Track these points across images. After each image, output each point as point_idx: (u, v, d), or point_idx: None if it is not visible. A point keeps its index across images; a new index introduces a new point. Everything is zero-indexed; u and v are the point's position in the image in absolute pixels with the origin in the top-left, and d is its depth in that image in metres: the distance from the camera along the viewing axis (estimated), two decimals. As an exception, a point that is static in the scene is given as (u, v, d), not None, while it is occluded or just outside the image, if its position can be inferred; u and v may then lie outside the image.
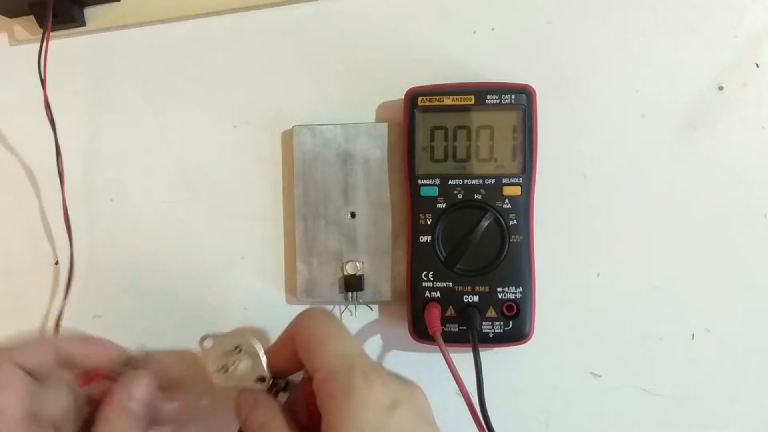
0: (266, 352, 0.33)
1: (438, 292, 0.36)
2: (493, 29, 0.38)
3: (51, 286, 0.42)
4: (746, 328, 0.37)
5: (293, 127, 0.39)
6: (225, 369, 0.32)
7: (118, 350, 0.33)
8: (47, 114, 0.39)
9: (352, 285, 0.38)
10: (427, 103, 0.36)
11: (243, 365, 0.32)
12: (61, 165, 0.39)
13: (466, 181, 0.36)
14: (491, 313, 0.36)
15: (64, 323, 0.41)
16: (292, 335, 0.31)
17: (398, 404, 0.27)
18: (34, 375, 0.30)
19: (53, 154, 0.39)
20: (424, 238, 0.36)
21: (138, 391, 0.31)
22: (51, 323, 0.40)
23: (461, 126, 0.36)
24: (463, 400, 0.32)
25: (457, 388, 0.33)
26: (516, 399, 0.39)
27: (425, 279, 0.36)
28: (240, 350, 0.32)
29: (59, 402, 0.31)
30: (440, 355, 0.33)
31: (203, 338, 0.33)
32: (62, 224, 0.40)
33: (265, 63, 0.40)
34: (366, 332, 0.40)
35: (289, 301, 0.40)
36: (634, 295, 0.38)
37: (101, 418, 0.30)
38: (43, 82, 0.39)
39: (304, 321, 0.31)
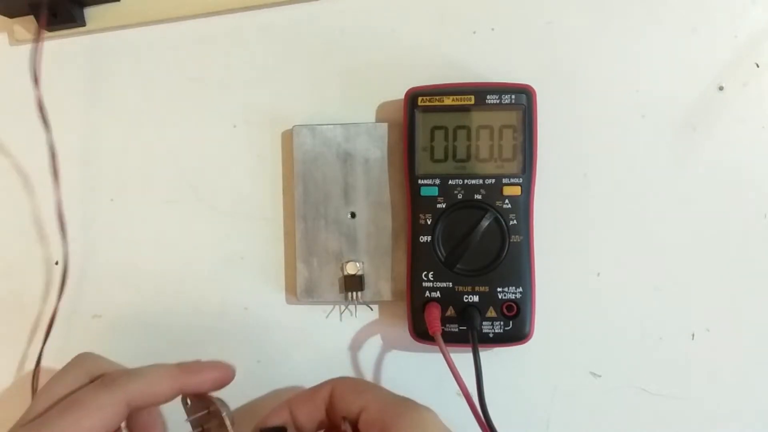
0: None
1: (438, 292, 0.36)
2: (493, 29, 0.38)
3: (53, 286, 0.42)
4: (746, 328, 0.37)
5: (293, 127, 0.39)
6: (201, 428, 0.32)
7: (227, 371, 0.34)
8: (40, 114, 0.38)
9: (352, 285, 0.38)
10: (427, 103, 0.36)
11: (214, 427, 0.32)
12: (56, 165, 0.39)
13: (466, 181, 0.36)
14: (491, 313, 0.36)
15: (64, 323, 0.41)
16: (328, 390, 0.33)
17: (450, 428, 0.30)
18: None
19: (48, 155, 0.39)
20: (424, 238, 0.36)
21: None
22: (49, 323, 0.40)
23: (461, 126, 0.36)
24: (463, 399, 0.32)
25: (458, 388, 0.32)
26: (516, 399, 0.39)
27: (425, 279, 0.36)
28: (209, 412, 0.32)
29: None
30: (440, 355, 0.33)
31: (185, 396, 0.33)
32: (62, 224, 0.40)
33: (265, 63, 0.40)
34: (366, 332, 0.40)
35: (289, 301, 0.40)
36: (634, 296, 0.38)
37: None
38: (36, 81, 0.38)
39: (343, 378, 0.34)
